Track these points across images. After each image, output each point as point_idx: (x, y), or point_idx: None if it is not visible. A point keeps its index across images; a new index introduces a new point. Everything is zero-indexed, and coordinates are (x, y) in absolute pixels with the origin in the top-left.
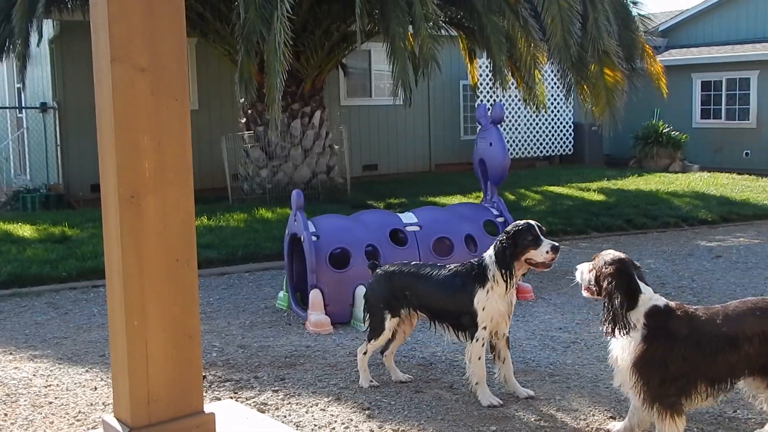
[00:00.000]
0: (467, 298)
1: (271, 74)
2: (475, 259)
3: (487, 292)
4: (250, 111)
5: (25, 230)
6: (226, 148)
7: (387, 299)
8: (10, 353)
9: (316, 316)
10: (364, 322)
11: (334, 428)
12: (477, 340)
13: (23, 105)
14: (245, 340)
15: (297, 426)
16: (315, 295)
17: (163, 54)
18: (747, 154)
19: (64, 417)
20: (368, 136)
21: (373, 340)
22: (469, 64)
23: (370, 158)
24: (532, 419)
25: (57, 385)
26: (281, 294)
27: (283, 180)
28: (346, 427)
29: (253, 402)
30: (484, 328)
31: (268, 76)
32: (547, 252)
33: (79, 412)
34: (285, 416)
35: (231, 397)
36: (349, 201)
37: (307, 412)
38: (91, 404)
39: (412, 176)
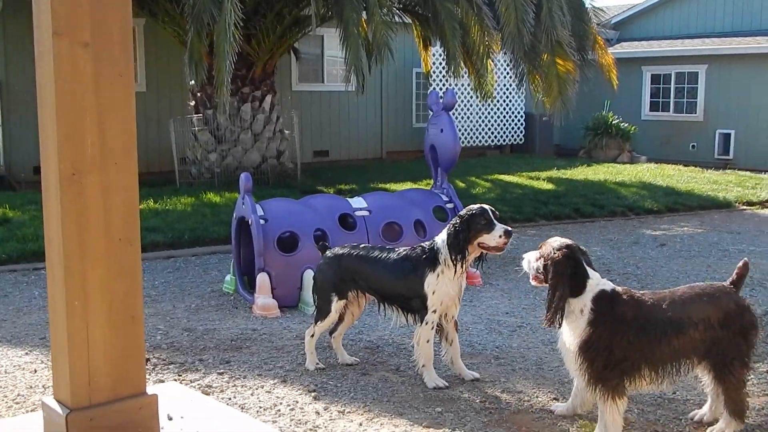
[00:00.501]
0: (417, 281)
1: (221, 56)
2: (426, 243)
3: (438, 275)
4: (199, 94)
5: None
6: (175, 131)
7: (335, 281)
8: None
9: (263, 299)
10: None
11: (279, 410)
12: (426, 324)
13: None
14: (191, 324)
15: (242, 408)
16: (262, 279)
17: (107, 28)
18: (693, 146)
19: (2, 400)
20: (320, 122)
21: (319, 322)
22: (422, 52)
23: (321, 144)
24: (477, 401)
25: None
26: (228, 277)
27: (232, 164)
28: (292, 409)
29: (198, 384)
30: (434, 311)
31: (217, 58)
32: (500, 236)
33: (18, 395)
34: (230, 398)
35: (175, 380)
36: (299, 186)
37: (252, 395)
38: (31, 387)
39: (363, 163)
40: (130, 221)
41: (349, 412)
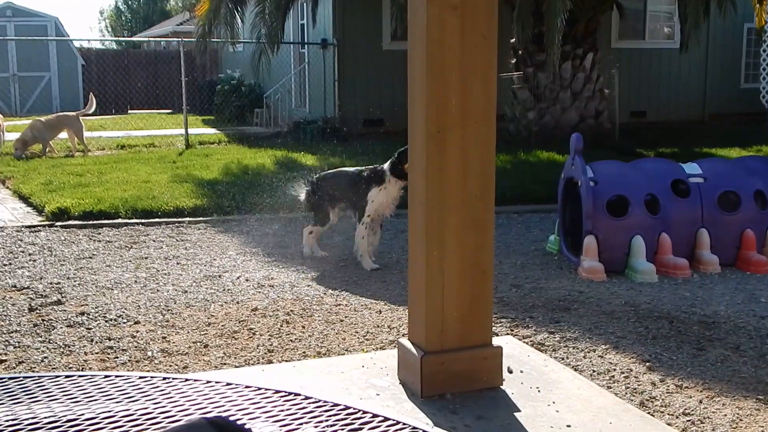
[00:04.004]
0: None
1: (552, 14)
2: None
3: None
4: (520, 52)
5: (307, 159)
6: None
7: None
8: (302, 272)
9: (590, 262)
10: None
11: (613, 376)
12: None
13: (306, 41)
14: (518, 280)
15: (575, 369)
16: (590, 241)
17: None
18: None
19: (354, 335)
20: (638, 81)
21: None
22: (756, 5)
23: (638, 104)
24: None
25: (345, 305)
26: (552, 237)
27: (550, 123)
28: (626, 377)
29: (530, 341)
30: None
31: (548, 16)
32: None
33: (367, 332)
34: (563, 358)
35: (508, 334)
36: (616, 147)
37: (584, 357)
38: (377, 326)
39: (683, 125)
40: (485, 178)
41: (686, 387)
